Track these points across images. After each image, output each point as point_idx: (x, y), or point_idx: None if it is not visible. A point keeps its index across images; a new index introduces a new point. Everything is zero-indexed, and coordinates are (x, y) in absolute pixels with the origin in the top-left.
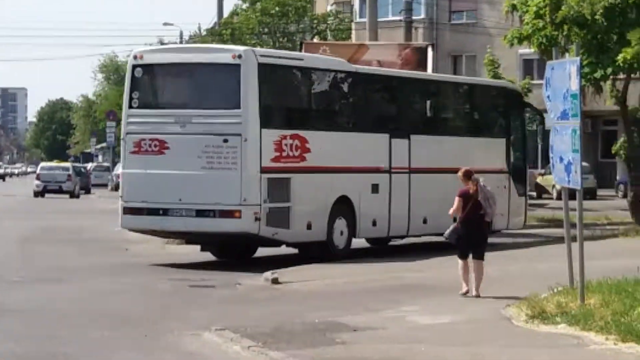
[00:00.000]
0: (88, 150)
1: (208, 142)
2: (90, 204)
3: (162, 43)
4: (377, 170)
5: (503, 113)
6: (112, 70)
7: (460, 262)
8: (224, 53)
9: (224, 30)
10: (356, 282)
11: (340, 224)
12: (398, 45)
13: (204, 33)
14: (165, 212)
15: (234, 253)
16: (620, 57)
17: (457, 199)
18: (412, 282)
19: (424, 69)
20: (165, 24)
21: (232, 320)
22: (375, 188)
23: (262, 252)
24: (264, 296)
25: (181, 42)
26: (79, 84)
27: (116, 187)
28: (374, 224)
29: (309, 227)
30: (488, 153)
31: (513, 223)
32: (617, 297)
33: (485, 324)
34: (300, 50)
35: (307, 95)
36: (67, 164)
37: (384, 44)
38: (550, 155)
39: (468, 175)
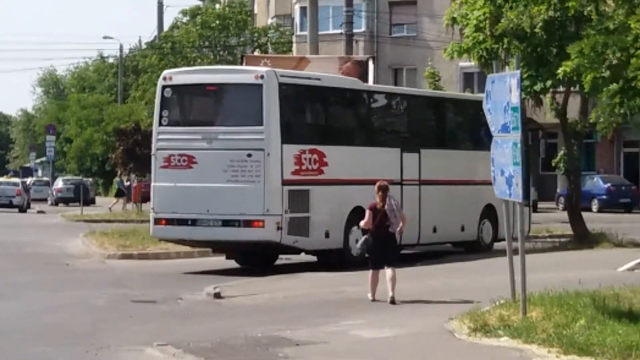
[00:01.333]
0: (27, 165)
1: (233, 157)
2: (33, 218)
3: (102, 57)
4: (389, 182)
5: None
6: (51, 84)
7: (371, 271)
8: (247, 74)
9: (165, 44)
10: (298, 296)
11: (356, 232)
12: (339, 59)
13: (144, 46)
14: (194, 222)
15: (256, 261)
16: (560, 70)
17: (367, 212)
18: (354, 295)
19: (366, 82)
20: (105, 37)
21: (175, 335)
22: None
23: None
24: (206, 311)
25: (121, 55)
26: (17, 97)
27: (56, 202)
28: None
29: (327, 235)
30: None
31: (517, 231)
32: (559, 309)
33: (428, 337)
34: (241, 64)
35: (324, 112)
36: (17, 180)
37: (325, 57)
38: (492, 168)
39: (383, 188)
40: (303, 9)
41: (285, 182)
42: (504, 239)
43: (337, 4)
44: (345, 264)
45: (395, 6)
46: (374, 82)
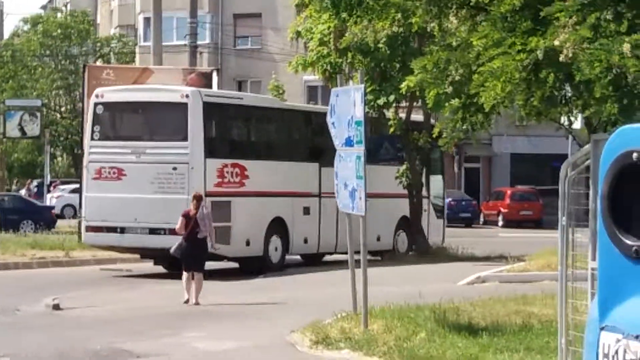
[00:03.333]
0: None
1: (160, 170)
2: None
3: None
4: (308, 195)
5: (420, 146)
6: None
7: (184, 274)
8: (173, 93)
9: (5, 52)
10: (140, 308)
11: (275, 241)
12: (183, 70)
13: None
14: (123, 230)
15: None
16: (403, 85)
17: (180, 218)
18: (195, 309)
19: None
20: None
21: (11, 347)
22: (306, 210)
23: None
24: (44, 322)
25: None
26: None
27: None
28: (305, 241)
29: (247, 243)
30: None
31: (432, 241)
32: (400, 322)
33: (270, 350)
34: (83, 73)
35: (245, 129)
36: None
37: (169, 68)
38: (335, 181)
39: (197, 197)
40: (147, 20)
41: (207, 194)
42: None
43: (182, 15)
44: (264, 270)
45: (239, 18)
46: None
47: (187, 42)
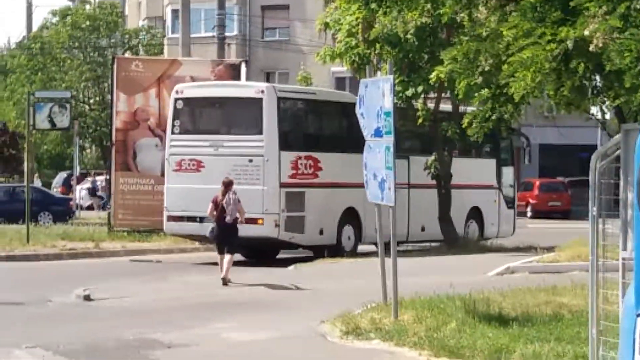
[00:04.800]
0: None
1: (236, 162)
2: None
3: None
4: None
5: (493, 137)
6: None
7: (218, 255)
8: (249, 88)
9: (34, 44)
10: (169, 299)
11: (348, 230)
12: (211, 62)
13: (13, 46)
14: (202, 219)
15: (259, 254)
16: (433, 75)
17: (210, 204)
18: (226, 298)
19: None
20: None
21: (44, 337)
22: None
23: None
24: (76, 313)
25: None
26: None
27: None
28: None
29: (321, 232)
30: (480, 172)
31: (502, 231)
32: (430, 312)
33: (301, 340)
34: (112, 65)
35: (318, 122)
36: None
37: (197, 60)
38: (364, 172)
39: (225, 183)
40: (175, 12)
41: (282, 185)
42: (490, 238)
43: (209, 7)
44: (339, 256)
45: (267, 10)
46: None
47: (215, 34)
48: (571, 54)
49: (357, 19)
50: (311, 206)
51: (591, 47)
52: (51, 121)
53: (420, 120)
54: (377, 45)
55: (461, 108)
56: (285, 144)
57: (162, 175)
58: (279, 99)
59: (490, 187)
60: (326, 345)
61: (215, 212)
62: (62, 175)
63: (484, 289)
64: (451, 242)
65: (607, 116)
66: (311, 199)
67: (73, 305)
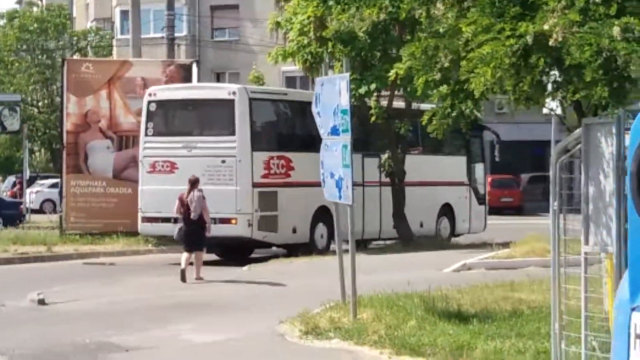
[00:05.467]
0: None
1: (209, 163)
2: None
3: None
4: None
5: (462, 134)
6: None
7: (185, 253)
8: (221, 90)
9: None
10: (126, 302)
11: (321, 228)
12: (162, 62)
13: None
14: (176, 220)
15: (233, 254)
16: (392, 72)
17: (176, 201)
18: (184, 299)
19: None
20: None
21: None
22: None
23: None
24: (31, 317)
25: None
26: None
27: None
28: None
29: (294, 231)
30: (450, 169)
31: (474, 227)
32: (390, 311)
33: (260, 340)
34: (62, 67)
35: (290, 122)
36: None
37: (148, 60)
38: (321, 171)
39: (191, 181)
40: (124, 13)
41: (255, 185)
42: (460, 234)
43: (159, 7)
44: (312, 255)
45: (217, 10)
46: None
47: (165, 35)
48: (531, 49)
49: (308, 17)
50: (284, 205)
51: (551, 42)
52: (1, 124)
53: (373, 118)
54: (330, 44)
55: (414, 105)
56: (258, 144)
57: (114, 177)
58: (251, 100)
59: (461, 183)
60: (286, 346)
61: (182, 210)
62: (10, 179)
63: (442, 286)
64: (406, 240)
65: (559, 111)
66: (284, 198)
67: (27, 310)
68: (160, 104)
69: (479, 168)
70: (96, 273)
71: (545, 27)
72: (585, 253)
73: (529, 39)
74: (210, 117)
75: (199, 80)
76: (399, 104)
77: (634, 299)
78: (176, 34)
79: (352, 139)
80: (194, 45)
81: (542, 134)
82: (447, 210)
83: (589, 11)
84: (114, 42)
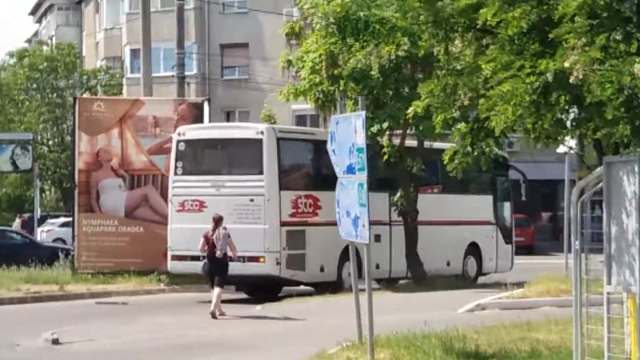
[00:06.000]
0: None
1: (238, 202)
2: None
3: None
4: (379, 223)
5: (491, 174)
6: None
7: (210, 289)
8: (249, 130)
9: None
10: (138, 341)
11: (348, 267)
12: (174, 101)
13: None
14: (203, 257)
15: (262, 292)
16: (410, 110)
17: (201, 239)
18: (197, 339)
19: (201, 123)
20: None
21: None
22: (377, 237)
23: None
24: (45, 357)
25: None
26: None
27: None
28: (377, 267)
29: (321, 269)
30: (477, 208)
31: (501, 266)
32: (407, 351)
33: None
34: (74, 106)
35: (317, 162)
36: None
37: (159, 99)
38: (337, 209)
39: (215, 219)
40: (133, 51)
41: (283, 224)
42: (487, 274)
43: (169, 46)
44: (339, 293)
45: (226, 48)
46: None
47: (175, 73)
48: (551, 87)
49: (320, 55)
50: (312, 244)
51: (571, 79)
52: (14, 163)
53: (385, 157)
54: (342, 82)
55: (426, 143)
56: (285, 183)
57: (126, 216)
58: (279, 139)
59: (487, 222)
60: None
61: (206, 247)
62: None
63: (458, 326)
64: (419, 279)
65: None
66: (311, 236)
67: (42, 349)
68: (189, 143)
69: (506, 207)
70: (109, 312)
71: (566, 64)
72: (608, 293)
73: (550, 76)
74: (238, 156)
75: (210, 119)
76: (411, 142)
77: None
78: (186, 73)
79: (367, 177)
80: (204, 83)
81: (553, 172)
82: (473, 249)
83: (610, 48)
84: (124, 81)
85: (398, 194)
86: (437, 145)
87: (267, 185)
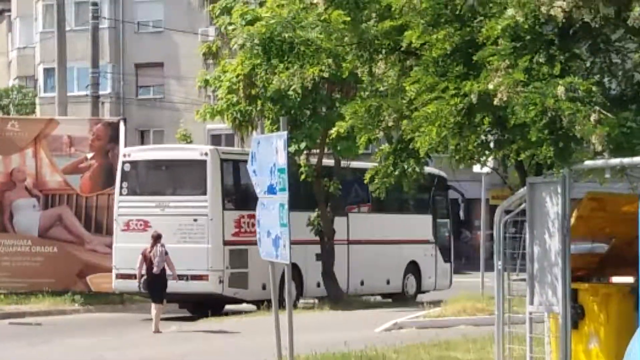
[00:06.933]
0: None
1: (182, 222)
2: None
3: None
4: (318, 242)
5: (429, 194)
6: None
7: (153, 304)
8: (193, 151)
9: None
10: None
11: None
12: (89, 120)
13: None
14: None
15: (205, 310)
16: (333, 131)
17: (139, 256)
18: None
19: (116, 143)
20: None
21: None
22: (318, 257)
23: None
24: None
25: None
26: None
27: None
28: (318, 285)
29: (263, 287)
30: (417, 227)
31: (440, 284)
32: None
33: None
34: None
35: None
36: None
37: (75, 119)
38: (257, 229)
39: (154, 237)
40: (47, 70)
41: (226, 243)
42: (427, 291)
43: (83, 65)
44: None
45: (141, 68)
46: (124, 144)
47: (89, 93)
48: (475, 108)
49: (237, 76)
50: (254, 262)
51: (495, 101)
52: None
53: (302, 177)
54: (259, 102)
55: (343, 163)
56: (229, 203)
57: (40, 236)
58: (222, 160)
59: (427, 241)
60: None
61: (145, 264)
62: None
63: (376, 345)
64: (335, 298)
65: (483, 169)
66: (254, 255)
67: None
68: (134, 164)
69: (445, 226)
70: (23, 333)
71: (490, 86)
72: (530, 313)
73: (474, 97)
74: (182, 177)
75: (125, 139)
76: (328, 161)
77: None
78: (100, 92)
79: (288, 197)
80: (118, 102)
81: (468, 192)
82: (413, 268)
83: (533, 71)
84: (37, 100)
85: (315, 214)
86: (355, 164)
87: (211, 205)
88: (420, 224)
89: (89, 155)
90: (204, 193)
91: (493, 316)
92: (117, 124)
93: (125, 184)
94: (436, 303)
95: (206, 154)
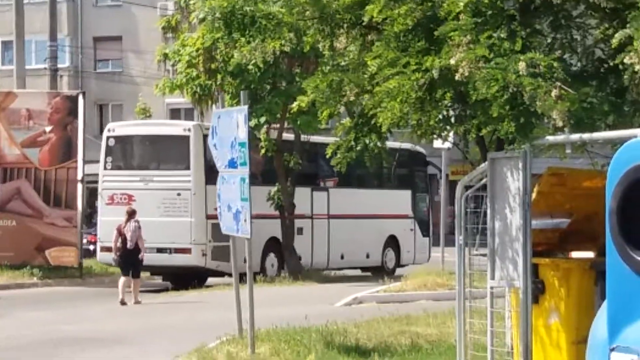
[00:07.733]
0: None
1: (165, 196)
2: None
3: None
4: (301, 217)
5: (409, 170)
6: None
7: (122, 278)
8: (177, 127)
9: None
10: (9, 337)
11: (272, 258)
12: (48, 94)
13: None
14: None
15: (188, 282)
16: (295, 105)
17: (114, 232)
18: (71, 334)
19: (75, 117)
20: None
21: None
22: (300, 230)
23: None
24: None
25: None
26: None
27: None
28: (300, 259)
29: (244, 261)
30: (396, 202)
31: (418, 258)
32: (287, 345)
33: None
34: None
35: None
36: None
37: (33, 92)
38: (218, 203)
39: (129, 212)
40: (5, 43)
41: (209, 217)
42: (406, 265)
43: (41, 38)
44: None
45: (99, 41)
46: (83, 118)
47: (48, 66)
48: (436, 83)
49: (197, 50)
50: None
51: (457, 77)
52: None
53: (263, 151)
54: (219, 76)
55: (303, 137)
56: (211, 178)
57: (1, 210)
58: (205, 136)
59: (406, 216)
60: None
61: (120, 238)
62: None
63: (337, 320)
64: (295, 272)
65: (445, 144)
66: None
67: None
68: (119, 139)
69: (423, 201)
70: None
71: (452, 61)
72: (491, 287)
73: (435, 73)
74: (166, 152)
75: (84, 112)
76: (288, 135)
77: (612, 339)
78: (59, 65)
79: (249, 171)
80: (76, 76)
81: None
82: (392, 242)
83: (495, 46)
84: None
85: (275, 189)
86: (315, 139)
87: (194, 180)
88: (400, 199)
89: (48, 129)
90: (187, 168)
91: (453, 291)
92: (75, 98)
93: (109, 159)
94: (396, 277)
95: (189, 130)
